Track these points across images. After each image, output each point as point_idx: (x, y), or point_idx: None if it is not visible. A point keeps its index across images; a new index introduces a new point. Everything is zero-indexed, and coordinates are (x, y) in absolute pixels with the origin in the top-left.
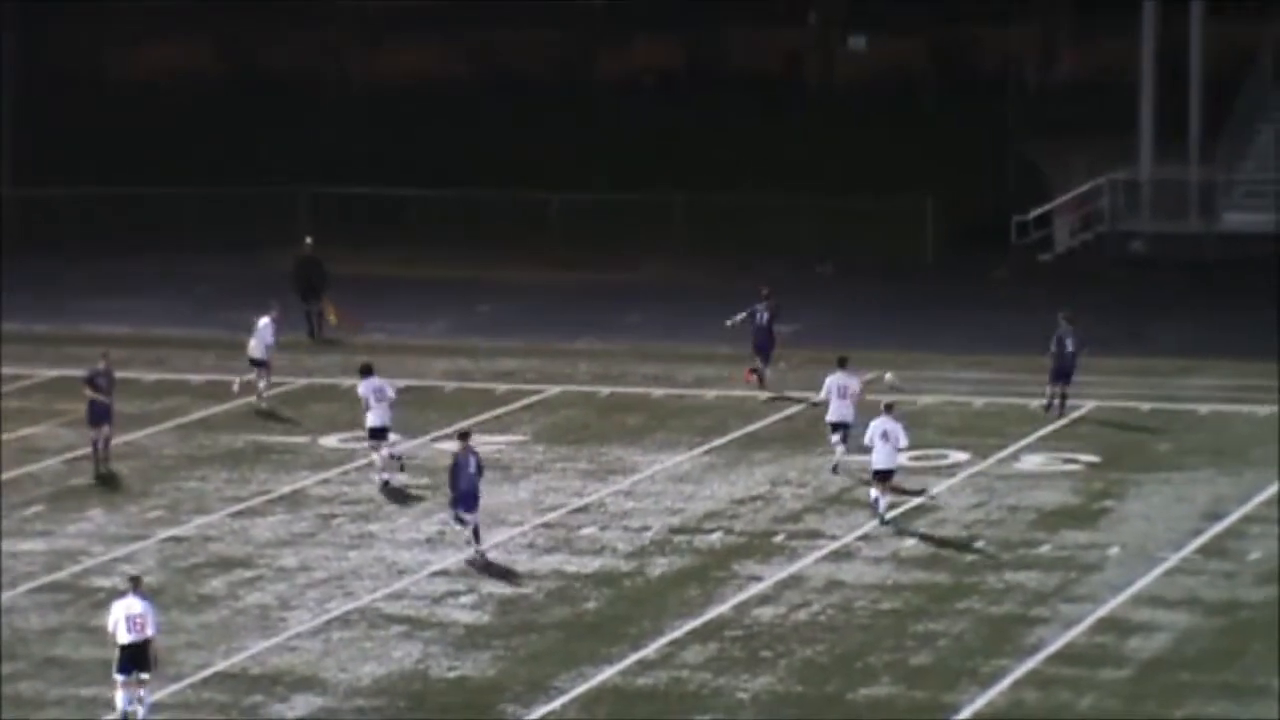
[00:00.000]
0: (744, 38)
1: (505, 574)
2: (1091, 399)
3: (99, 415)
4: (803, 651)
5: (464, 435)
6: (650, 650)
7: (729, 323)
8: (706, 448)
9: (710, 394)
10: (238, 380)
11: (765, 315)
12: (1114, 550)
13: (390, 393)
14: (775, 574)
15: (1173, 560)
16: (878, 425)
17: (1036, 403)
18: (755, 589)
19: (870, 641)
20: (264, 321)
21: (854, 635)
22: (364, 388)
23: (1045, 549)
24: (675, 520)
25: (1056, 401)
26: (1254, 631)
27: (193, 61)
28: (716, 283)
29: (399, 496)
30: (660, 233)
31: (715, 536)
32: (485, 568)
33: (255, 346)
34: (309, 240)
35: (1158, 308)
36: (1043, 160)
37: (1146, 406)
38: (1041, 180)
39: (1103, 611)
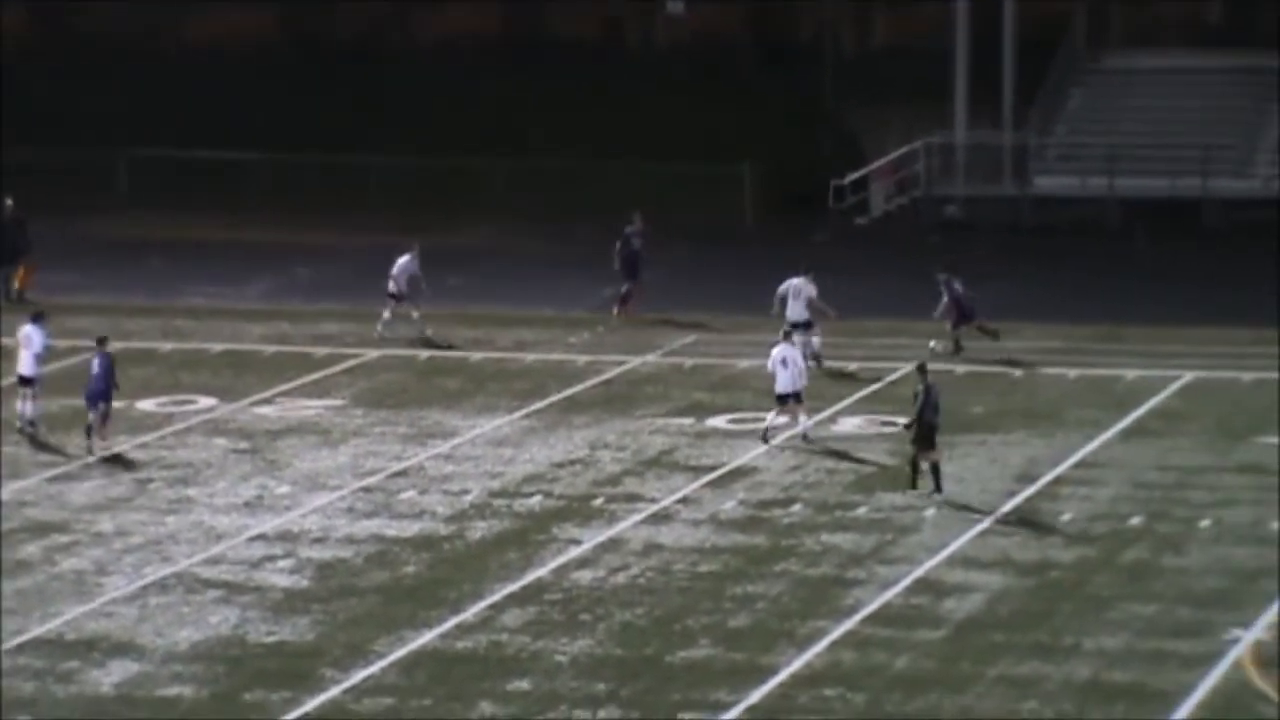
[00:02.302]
0: (563, 1)
1: (324, 538)
2: (907, 361)
3: None
4: (621, 614)
5: (101, 340)
6: (469, 614)
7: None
8: (525, 411)
9: (529, 358)
10: (380, 323)
11: (638, 241)
12: (929, 512)
13: (37, 345)
14: (594, 537)
15: (986, 522)
16: (778, 353)
17: (855, 365)
18: (574, 552)
19: (688, 604)
20: (403, 260)
21: (672, 598)
22: (21, 331)
23: (862, 511)
24: (494, 484)
25: (983, 341)
26: (1064, 592)
27: (4, 20)
28: (536, 247)
29: (217, 461)
30: (479, 197)
31: (534, 500)
32: (300, 534)
33: (395, 284)
34: (9, 202)
35: (972, 271)
36: (859, 125)
37: (960, 369)
38: (858, 145)
39: (918, 573)
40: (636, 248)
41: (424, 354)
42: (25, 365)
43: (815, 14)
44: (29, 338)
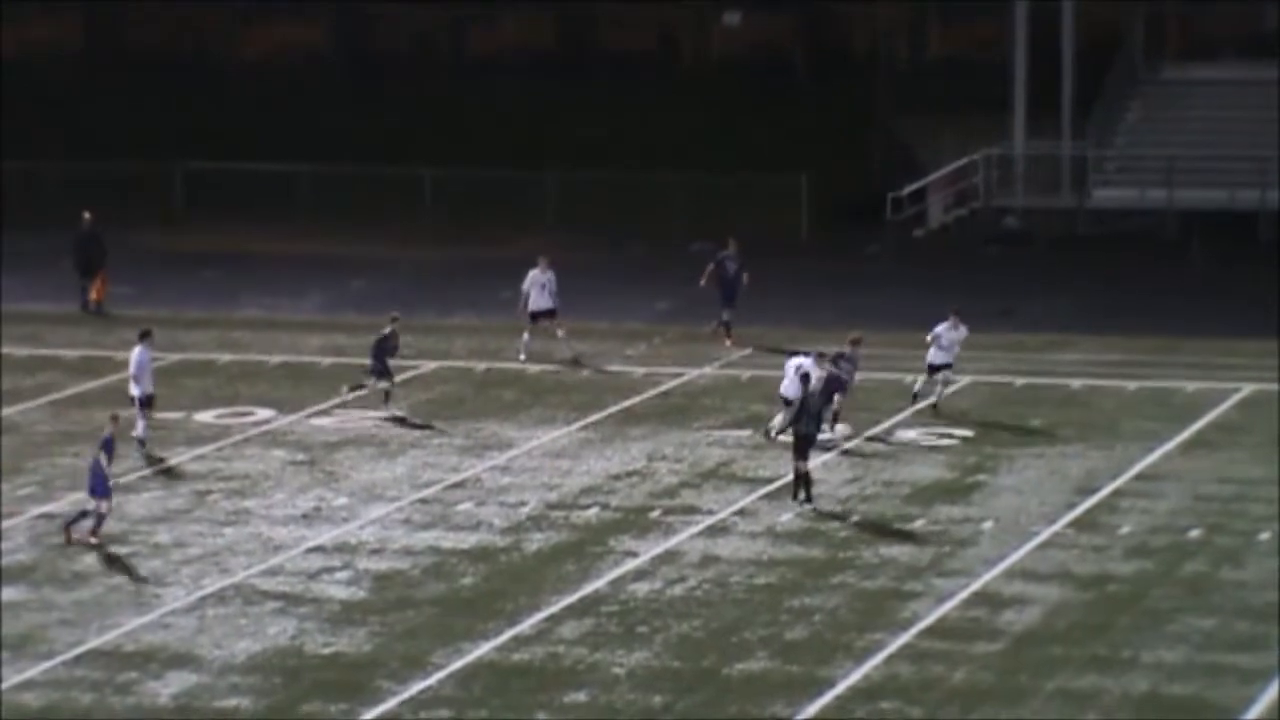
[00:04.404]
0: (616, 13)
1: (381, 550)
2: (965, 374)
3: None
4: (678, 627)
5: (394, 319)
6: (526, 626)
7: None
8: (583, 423)
9: (586, 370)
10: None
11: (734, 266)
12: (987, 524)
13: (132, 365)
14: (651, 549)
15: (1045, 534)
16: (797, 361)
17: (910, 378)
18: (631, 564)
19: (745, 616)
20: (535, 275)
21: (729, 610)
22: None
23: (919, 523)
24: (552, 496)
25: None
26: (1123, 605)
27: (61, 36)
28: (590, 259)
29: (275, 473)
30: (534, 209)
31: (591, 512)
32: (357, 546)
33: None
34: (87, 215)
35: (1030, 283)
36: (915, 136)
37: (1019, 381)
38: (914, 156)
39: (976, 585)
40: (731, 273)
41: (481, 366)
42: (132, 385)
43: (869, 23)
44: (140, 355)
